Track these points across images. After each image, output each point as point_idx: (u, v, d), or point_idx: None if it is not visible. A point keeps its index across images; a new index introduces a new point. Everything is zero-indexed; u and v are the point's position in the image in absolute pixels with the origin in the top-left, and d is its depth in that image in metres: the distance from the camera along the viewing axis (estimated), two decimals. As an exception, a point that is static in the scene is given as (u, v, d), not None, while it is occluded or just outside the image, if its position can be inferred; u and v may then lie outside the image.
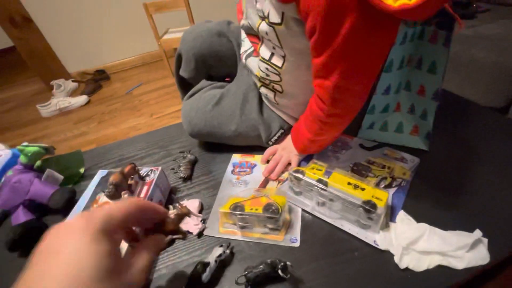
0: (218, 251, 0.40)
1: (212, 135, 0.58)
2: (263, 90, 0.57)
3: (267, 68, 0.50)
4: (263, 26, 0.43)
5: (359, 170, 0.53)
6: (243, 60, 0.57)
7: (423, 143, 0.55)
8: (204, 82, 0.63)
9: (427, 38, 0.46)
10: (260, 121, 0.57)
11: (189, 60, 0.64)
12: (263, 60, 0.50)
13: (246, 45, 0.54)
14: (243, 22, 0.50)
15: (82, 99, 2.14)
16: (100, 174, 0.52)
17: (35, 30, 2.17)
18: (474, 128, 0.59)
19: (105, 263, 0.21)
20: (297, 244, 0.43)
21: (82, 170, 0.62)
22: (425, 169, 0.52)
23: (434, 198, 0.47)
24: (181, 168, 0.58)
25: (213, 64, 0.64)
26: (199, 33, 0.63)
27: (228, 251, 0.41)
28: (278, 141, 0.59)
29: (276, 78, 0.50)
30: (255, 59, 0.53)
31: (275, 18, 0.40)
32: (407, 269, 0.38)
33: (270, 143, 0.59)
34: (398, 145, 0.57)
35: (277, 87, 0.53)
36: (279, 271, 0.35)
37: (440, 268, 0.37)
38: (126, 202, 0.27)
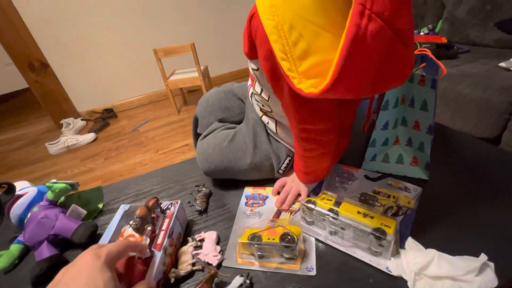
0: (238, 281, 0.42)
1: (228, 170, 0.62)
2: (264, 118, 0.62)
3: (258, 100, 0.57)
4: (250, 66, 0.52)
5: (366, 200, 0.56)
6: (249, 93, 0.64)
7: (423, 173, 0.59)
8: (216, 124, 0.69)
9: (417, 81, 0.53)
10: (271, 150, 0.62)
11: (203, 120, 0.73)
12: (256, 93, 0.57)
13: (249, 82, 0.61)
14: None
15: (90, 136, 2.21)
16: (123, 208, 0.55)
17: (50, 74, 2.33)
18: (469, 158, 0.64)
19: (112, 285, 0.31)
20: (313, 273, 0.45)
21: (101, 206, 0.65)
22: (427, 197, 0.55)
23: (438, 225, 0.50)
24: (197, 202, 0.61)
25: (224, 116, 0.72)
26: (210, 97, 0.74)
27: (248, 281, 0.43)
28: (287, 170, 0.63)
29: (268, 109, 0.57)
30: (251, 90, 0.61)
31: (253, 65, 0.49)
32: (421, 294, 0.39)
33: (281, 171, 0.63)
34: (400, 175, 0.61)
35: (275, 116, 0.59)
36: (300, 298, 0.36)
37: (453, 293, 0.39)
38: (119, 242, 0.37)
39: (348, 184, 0.61)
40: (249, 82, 0.63)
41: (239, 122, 0.71)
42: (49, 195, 0.57)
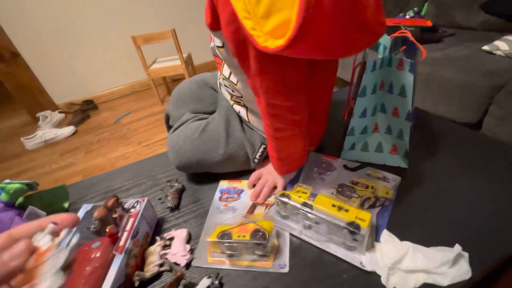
0: (206, 282, 0.39)
1: (201, 163, 0.59)
2: (236, 107, 0.59)
3: (227, 86, 0.53)
4: (214, 48, 0.48)
5: (343, 191, 0.54)
6: (218, 80, 0.60)
7: (402, 161, 0.58)
8: (188, 115, 0.64)
9: (395, 65, 0.50)
10: (245, 139, 0.59)
11: (174, 112, 0.68)
12: (224, 77, 0.53)
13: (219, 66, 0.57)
14: (211, 44, 0.54)
15: (69, 130, 2.12)
16: (84, 208, 0.51)
17: (22, 64, 2.19)
18: (449, 145, 0.62)
19: None
20: (286, 270, 0.43)
21: (66, 205, 0.61)
22: (406, 187, 0.53)
23: (415, 215, 0.48)
24: (168, 198, 0.58)
25: (196, 107, 0.67)
26: (182, 88, 0.69)
27: (216, 282, 0.40)
28: (263, 159, 0.60)
29: (238, 94, 0.54)
30: (220, 76, 0.57)
31: (218, 42, 0.46)
32: (394, 289, 0.38)
33: (256, 160, 0.60)
34: (380, 164, 0.59)
35: (246, 103, 0.56)
36: (268, 300, 0.34)
37: (427, 286, 0.38)
38: None
39: (326, 175, 0.59)
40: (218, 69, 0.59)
41: (212, 113, 0.67)
42: (3, 196, 0.52)
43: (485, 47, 1.09)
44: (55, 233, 0.21)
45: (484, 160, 0.57)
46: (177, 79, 2.76)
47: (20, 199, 0.57)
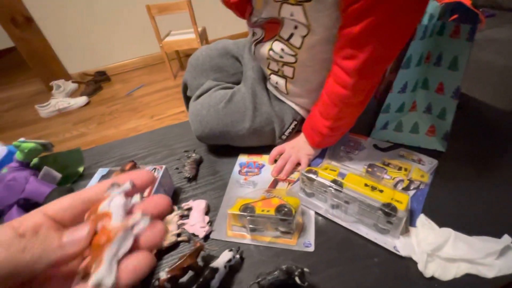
0: (227, 255, 0.37)
1: (224, 135, 0.55)
2: (273, 78, 0.54)
3: (282, 49, 0.47)
4: (287, 9, 0.41)
5: (374, 172, 0.50)
6: (252, 48, 0.55)
7: (440, 144, 0.53)
8: (211, 83, 0.60)
9: (448, 33, 0.44)
10: (273, 114, 0.55)
11: (193, 81, 0.63)
12: (280, 40, 0.47)
13: (258, 34, 0.51)
14: (255, 16, 0.48)
15: (82, 100, 2.11)
16: (100, 172, 0.49)
17: (36, 31, 2.16)
18: (490, 130, 0.57)
19: None
20: (311, 249, 0.40)
21: (81, 169, 0.59)
22: (443, 171, 0.49)
23: (455, 202, 0.44)
24: (186, 168, 0.55)
25: (216, 77, 0.63)
26: (201, 55, 0.64)
27: (238, 256, 0.38)
28: (291, 136, 0.57)
29: (291, 59, 0.48)
30: (265, 44, 0.51)
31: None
32: (432, 278, 0.35)
33: (284, 137, 0.56)
34: (413, 146, 0.54)
35: (288, 72, 0.51)
36: (296, 278, 0.32)
37: (469, 277, 0.34)
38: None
39: (354, 154, 0.55)
40: (259, 34, 0.53)
41: (234, 83, 0.63)
42: (18, 155, 0.50)
43: (532, 29, 0.99)
44: (129, 194, 0.18)
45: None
46: (189, 54, 2.69)
47: (35, 160, 0.55)
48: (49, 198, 0.47)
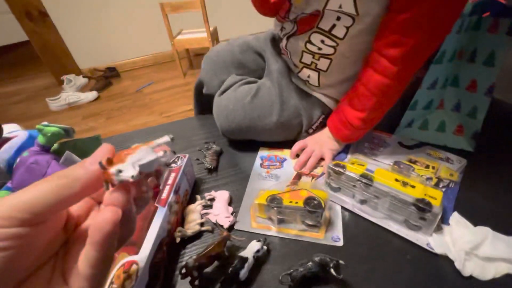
0: (255, 246, 0.36)
1: (251, 129, 0.54)
2: (305, 71, 0.54)
3: (322, 41, 0.47)
4: (335, 1, 0.41)
5: (401, 170, 0.48)
6: (284, 42, 0.54)
7: (468, 144, 0.51)
8: (234, 77, 0.59)
9: (486, 28, 0.43)
10: (301, 107, 0.54)
11: (213, 78, 0.63)
12: (321, 32, 0.46)
13: (288, 28, 0.50)
14: (293, 13, 0.47)
15: (92, 94, 2.12)
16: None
17: (50, 25, 2.18)
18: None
19: None
20: (340, 243, 0.39)
21: (99, 157, 0.59)
22: (473, 170, 0.48)
23: (487, 201, 0.43)
24: (207, 159, 0.54)
25: (238, 73, 0.62)
26: (222, 50, 0.63)
27: (265, 247, 0.37)
28: (317, 130, 0.56)
29: (330, 50, 0.48)
30: (300, 37, 0.50)
31: None
32: (470, 277, 0.33)
33: (311, 130, 0.56)
34: (439, 145, 0.53)
35: (322, 65, 0.50)
36: (332, 270, 0.31)
37: (509, 278, 0.33)
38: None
39: (379, 151, 0.54)
40: (288, 28, 0.51)
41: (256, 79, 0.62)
42: (40, 139, 0.50)
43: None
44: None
45: None
46: (200, 54, 2.70)
47: (55, 146, 0.55)
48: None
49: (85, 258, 0.16)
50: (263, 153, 0.57)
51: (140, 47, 2.56)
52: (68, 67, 2.36)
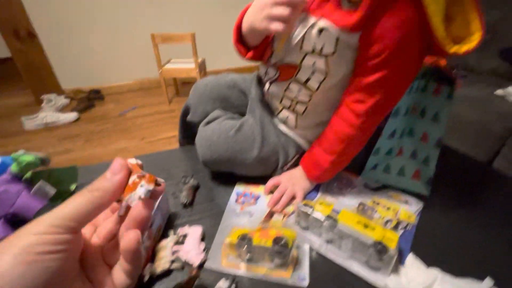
0: (223, 285, 0.37)
1: (231, 161, 0.57)
2: (284, 113, 0.59)
3: (299, 90, 0.52)
4: (310, 59, 0.47)
5: (365, 210, 0.53)
6: (267, 86, 0.59)
7: (424, 188, 0.57)
8: (219, 111, 0.64)
9: (431, 91, 0.50)
10: (279, 145, 0.58)
11: (199, 106, 0.67)
12: (298, 82, 0.52)
13: (271, 73, 0.56)
14: (274, 58, 0.53)
15: (72, 116, 2.08)
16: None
17: (36, 45, 2.19)
18: (469, 177, 0.62)
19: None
20: (306, 283, 0.40)
21: (73, 187, 0.58)
22: (428, 214, 0.52)
23: (439, 243, 0.47)
24: (183, 193, 0.55)
25: (221, 106, 0.67)
26: (209, 83, 0.68)
27: (234, 286, 0.38)
28: (291, 168, 0.60)
29: (306, 98, 0.53)
30: (280, 84, 0.55)
31: (329, 49, 0.44)
32: (422, 318, 0.36)
33: (285, 168, 0.59)
34: (401, 188, 0.58)
35: (299, 108, 0.55)
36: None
37: (455, 319, 0.36)
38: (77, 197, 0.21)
39: (347, 190, 0.58)
40: (272, 73, 0.57)
41: (237, 114, 0.66)
42: (14, 167, 0.50)
43: (498, 92, 1.13)
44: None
45: (500, 196, 0.56)
46: (187, 82, 2.78)
47: (28, 174, 0.54)
48: (38, 215, 0.46)
49: (121, 271, 0.22)
50: (239, 188, 0.59)
51: (127, 72, 2.60)
52: (50, 87, 2.34)
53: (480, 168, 0.67)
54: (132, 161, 0.25)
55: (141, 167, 0.25)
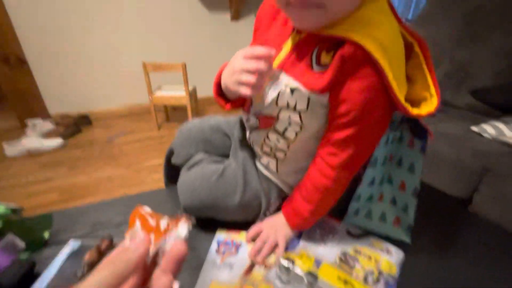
0: None
1: (213, 207, 0.57)
2: (265, 158, 0.59)
3: (277, 139, 0.53)
4: (285, 113, 0.48)
5: (347, 260, 0.52)
6: (247, 134, 0.60)
7: (405, 235, 0.57)
8: (202, 155, 0.64)
9: (406, 143, 0.52)
10: (261, 190, 0.58)
11: (182, 149, 0.67)
12: (276, 132, 0.53)
13: (252, 121, 0.57)
14: (254, 108, 0.55)
15: (57, 142, 2.04)
16: (71, 245, 0.46)
17: (26, 71, 2.18)
18: (449, 219, 0.63)
19: None
20: None
21: (46, 235, 0.56)
22: (409, 263, 0.53)
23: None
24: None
25: (207, 149, 0.67)
26: (194, 127, 0.70)
27: None
28: (274, 213, 0.59)
29: (284, 147, 0.54)
30: (260, 132, 0.56)
31: (302, 106, 0.46)
32: None
33: (268, 213, 0.59)
34: (382, 234, 0.58)
35: (280, 155, 0.56)
36: None
37: None
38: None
39: (329, 238, 0.57)
40: (253, 121, 0.57)
41: (220, 157, 0.67)
42: (-18, 220, 0.47)
43: (474, 128, 1.18)
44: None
45: (479, 241, 0.57)
46: (178, 108, 2.80)
47: (-1, 223, 0.52)
48: (5, 273, 0.43)
49: None
50: (220, 236, 0.58)
51: (117, 97, 2.60)
52: (36, 111, 2.30)
53: (459, 210, 0.68)
54: (147, 209, 0.28)
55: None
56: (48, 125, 2.20)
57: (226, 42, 2.80)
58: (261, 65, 0.41)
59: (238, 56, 0.45)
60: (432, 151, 1.10)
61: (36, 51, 2.18)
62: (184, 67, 2.06)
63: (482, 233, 0.61)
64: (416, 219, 0.59)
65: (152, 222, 0.29)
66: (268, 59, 0.42)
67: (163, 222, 0.26)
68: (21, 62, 2.14)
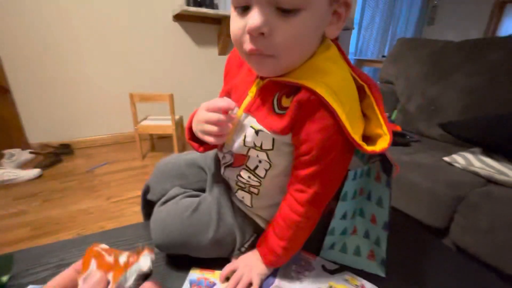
0: None
1: (185, 245, 0.55)
2: (240, 193, 0.59)
3: (249, 176, 0.54)
4: (254, 152, 0.50)
5: (321, 299, 0.51)
6: (222, 170, 0.61)
7: (379, 269, 0.57)
8: (177, 190, 0.64)
9: (373, 177, 0.55)
10: (236, 225, 0.58)
11: (158, 185, 0.67)
12: (248, 169, 0.54)
13: (227, 158, 0.58)
14: (226, 148, 0.56)
15: (34, 172, 1.96)
16: (28, 291, 0.44)
17: (9, 101, 2.16)
18: (424, 250, 0.64)
19: None
20: None
21: (5, 279, 0.52)
22: (384, 300, 0.52)
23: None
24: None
25: (181, 183, 0.67)
26: (170, 162, 0.70)
27: None
28: (249, 249, 0.58)
29: (256, 183, 0.55)
30: (234, 169, 0.57)
31: (267, 145, 0.48)
32: None
33: (243, 249, 0.58)
34: (358, 269, 0.58)
35: (254, 190, 0.57)
36: None
37: None
38: None
39: (304, 275, 0.57)
40: (228, 159, 0.59)
41: (197, 190, 0.67)
42: None
43: (446, 159, 1.24)
44: None
45: (450, 275, 0.58)
46: (164, 137, 2.80)
47: (-49, 267, 0.48)
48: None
49: None
50: (193, 275, 0.56)
51: (102, 126, 2.59)
52: (14, 141, 2.23)
53: (434, 242, 0.69)
54: (103, 246, 0.26)
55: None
56: (26, 155, 2.14)
57: (213, 74, 2.91)
58: (221, 116, 0.46)
59: (203, 108, 0.49)
60: (408, 182, 1.14)
61: (20, 80, 2.18)
62: (171, 97, 2.10)
63: (454, 266, 0.61)
64: (391, 252, 0.60)
65: (109, 258, 0.28)
66: (229, 110, 0.47)
67: (122, 257, 0.25)
68: (4, 90, 2.13)
